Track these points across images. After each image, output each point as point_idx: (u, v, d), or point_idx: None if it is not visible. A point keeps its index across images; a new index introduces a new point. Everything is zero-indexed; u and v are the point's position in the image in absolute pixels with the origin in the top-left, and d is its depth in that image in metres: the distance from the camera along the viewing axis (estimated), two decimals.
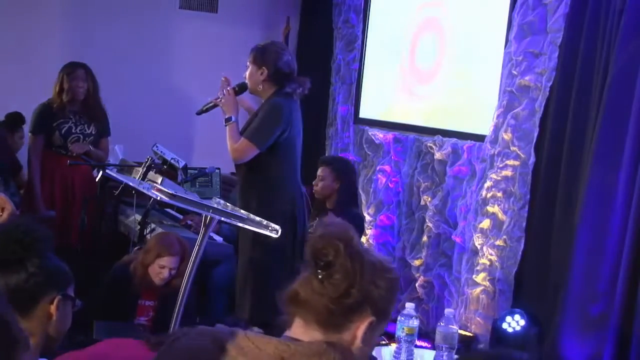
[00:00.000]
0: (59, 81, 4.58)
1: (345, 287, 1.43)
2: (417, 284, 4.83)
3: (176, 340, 1.48)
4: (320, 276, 1.44)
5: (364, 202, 5.27)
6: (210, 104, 3.67)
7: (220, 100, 3.61)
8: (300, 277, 1.49)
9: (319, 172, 4.30)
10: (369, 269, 1.46)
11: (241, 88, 3.68)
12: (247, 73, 3.65)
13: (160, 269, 3.50)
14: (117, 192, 3.98)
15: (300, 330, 1.47)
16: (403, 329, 2.72)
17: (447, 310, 2.81)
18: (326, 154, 5.60)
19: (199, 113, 3.72)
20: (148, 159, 3.84)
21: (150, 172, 3.81)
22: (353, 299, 1.44)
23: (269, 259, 3.57)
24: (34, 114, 4.62)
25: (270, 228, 2.98)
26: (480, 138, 4.44)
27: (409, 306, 2.78)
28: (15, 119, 4.84)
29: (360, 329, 1.45)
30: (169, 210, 4.80)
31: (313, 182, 4.31)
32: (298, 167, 3.72)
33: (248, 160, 3.59)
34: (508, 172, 4.16)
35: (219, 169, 4.92)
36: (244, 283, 3.62)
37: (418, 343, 2.87)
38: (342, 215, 4.08)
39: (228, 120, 3.59)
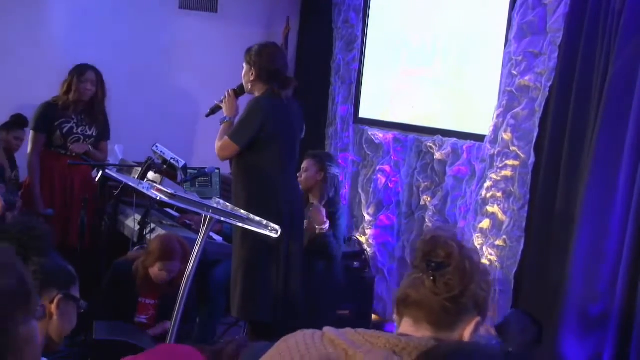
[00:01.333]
0: (68, 80, 4.58)
1: (462, 287, 1.50)
2: None
3: (284, 342, 1.53)
4: (432, 277, 1.50)
5: (363, 202, 5.27)
6: (215, 106, 3.79)
7: (222, 102, 3.74)
8: (409, 280, 1.56)
9: (303, 164, 4.31)
10: (478, 270, 1.53)
11: (241, 89, 3.75)
12: (243, 73, 3.71)
13: (160, 272, 3.51)
14: (117, 192, 3.98)
15: (410, 329, 1.52)
16: None
17: None
18: None
19: (207, 115, 3.84)
20: (148, 159, 3.84)
21: (150, 172, 3.81)
22: (467, 298, 1.50)
23: (255, 256, 3.59)
24: (37, 112, 4.62)
25: (270, 228, 2.98)
26: (480, 138, 4.44)
27: None
28: (15, 120, 4.83)
29: (467, 329, 1.52)
30: (168, 210, 4.80)
31: (297, 174, 4.28)
32: (287, 164, 3.71)
33: (235, 159, 3.67)
34: (508, 172, 4.16)
35: (218, 169, 4.92)
36: (235, 281, 3.63)
37: None
38: (327, 207, 4.12)
39: (223, 119, 3.71)
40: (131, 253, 3.83)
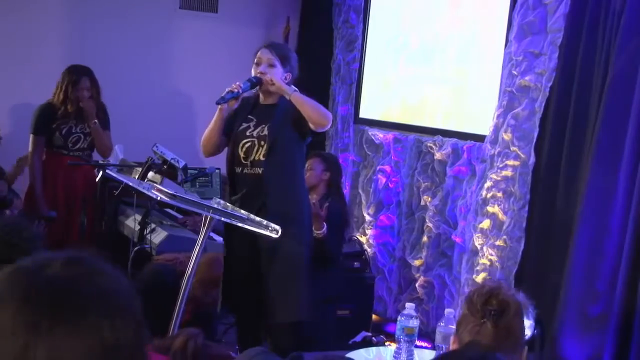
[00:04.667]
0: (62, 88, 4.55)
1: (521, 328, 1.82)
2: (417, 284, 4.83)
3: None
4: (494, 324, 1.80)
5: (363, 202, 5.27)
6: (255, 81, 3.48)
7: (265, 75, 3.48)
8: (470, 327, 1.83)
9: (308, 163, 4.28)
10: (526, 309, 1.92)
11: (259, 81, 3.54)
12: (274, 71, 3.52)
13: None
14: (117, 192, 3.98)
15: None
16: (403, 329, 2.73)
17: (447, 310, 2.81)
18: None
19: (219, 102, 3.46)
20: (148, 159, 3.84)
21: (150, 172, 3.81)
22: (523, 334, 1.85)
23: (306, 259, 3.57)
24: (35, 115, 4.61)
25: (270, 228, 2.98)
26: (480, 138, 4.44)
27: (409, 306, 2.78)
28: None
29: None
30: (169, 210, 4.80)
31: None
32: None
33: (284, 160, 3.53)
34: (508, 172, 4.16)
35: (219, 169, 4.92)
36: (278, 285, 3.54)
37: (418, 343, 2.87)
38: (330, 206, 4.10)
39: (294, 91, 3.46)
40: (168, 255, 3.70)
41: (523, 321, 1.84)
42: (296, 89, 3.49)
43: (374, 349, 3.23)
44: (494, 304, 1.82)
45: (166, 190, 2.95)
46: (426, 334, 4.25)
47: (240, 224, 3.07)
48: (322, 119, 3.45)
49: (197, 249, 3.00)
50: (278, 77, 3.52)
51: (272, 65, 3.53)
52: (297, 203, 3.58)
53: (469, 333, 1.81)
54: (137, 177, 3.77)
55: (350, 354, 2.95)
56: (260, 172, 3.53)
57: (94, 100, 4.60)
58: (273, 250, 3.49)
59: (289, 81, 3.57)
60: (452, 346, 1.90)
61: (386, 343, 3.42)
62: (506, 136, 4.17)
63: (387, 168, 5.12)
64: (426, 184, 4.81)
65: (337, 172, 4.41)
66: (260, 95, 3.63)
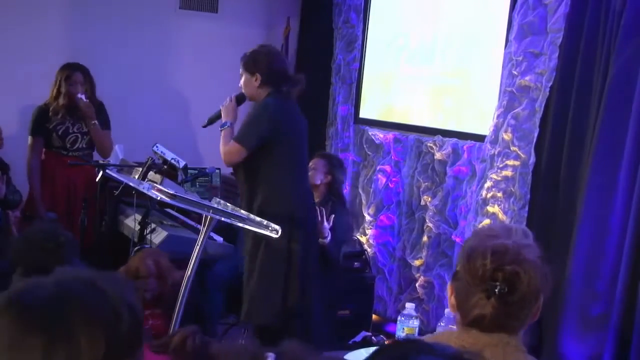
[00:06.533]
0: (56, 84, 4.57)
1: (535, 296, 1.57)
2: (417, 284, 4.83)
3: None
4: (500, 296, 1.53)
5: (364, 202, 5.27)
6: (215, 117, 3.73)
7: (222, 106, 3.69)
8: (474, 300, 1.57)
9: (312, 163, 4.29)
10: (542, 273, 1.57)
11: (242, 97, 3.71)
12: (242, 82, 3.65)
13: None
14: (117, 192, 3.98)
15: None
16: (403, 329, 2.73)
17: (447, 310, 2.81)
18: None
19: (205, 125, 3.77)
20: (148, 159, 3.84)
21: (150, 172, 3.81)
22: (538, 300, 1.59)
23: (271, 263, 3.55)
24: (32, 116, 4.63)
25: (270, 228, 2.98)
26: (480, 138, 4.44)
27: (409, 306, 2.79)
28: None
29: (535, 317, 1.64)
30: (169, 210, 4.80)
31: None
32: (299, 167, 3.69)
33: (244, 165, 3.57)
34: (508, 172, 4.16)
35: (219, 169, 4.92)
36: (246, 286, 3.59)
37: None
38: (336, 217, 4.09)
39: (223, 125, 3.63)
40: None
41: (538, 284, 1.54)
42: (229, 126, 3.61)
43: (374, 349, 3.22)
44: (500, 279, 1.51)
45: (166, 190, 2.95)
46: (426, 334, 4.24)
47: (240, 224, 3.08)
48: (222, 155, 3.59)
49: (197, 249, 3.00)
50: (243, 84, 3.64)
51: (241, 76, 3.66)
52: (276, 202, 3.55)
53: (474, 307, 1.56)
54: (137, 177, 3.77)
55: (350, 354, 2.95)
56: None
57: (88, 97, 4.59)
58: (255, 249, 3.58)
59: (260, 82, 3.58)
60: (449, 299, 1.67)
61: (386, 343, 3.42)
62: (506, 136, 4.17)
63: (387, 168, 5.12)
64: (426, 184, 4.81)
65: (339, 177, 4.40)
66: None
